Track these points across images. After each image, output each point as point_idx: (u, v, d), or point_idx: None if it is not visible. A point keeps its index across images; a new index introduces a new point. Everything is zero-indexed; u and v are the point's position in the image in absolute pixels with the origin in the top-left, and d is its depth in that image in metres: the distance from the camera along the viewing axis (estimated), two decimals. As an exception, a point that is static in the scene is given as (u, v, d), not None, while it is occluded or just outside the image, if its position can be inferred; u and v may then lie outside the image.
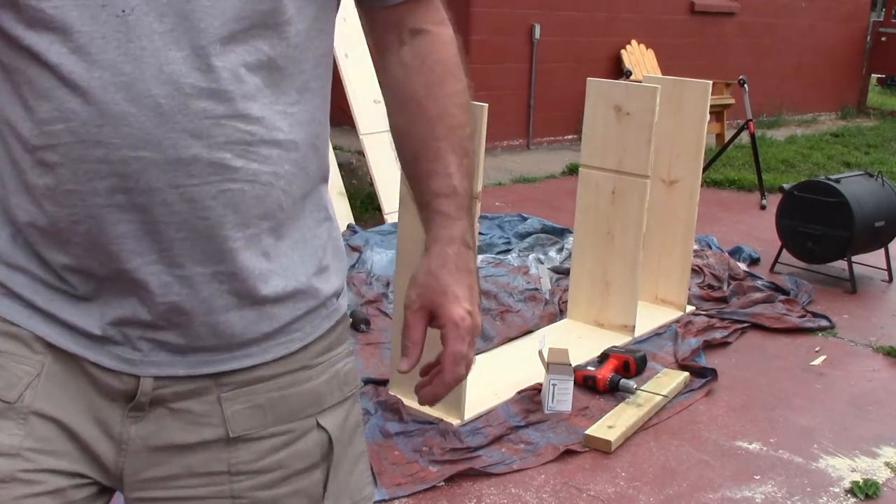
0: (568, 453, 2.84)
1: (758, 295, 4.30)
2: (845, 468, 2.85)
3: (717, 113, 8.47)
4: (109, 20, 0.88)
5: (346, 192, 5.46)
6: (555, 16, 8.35)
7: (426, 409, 3.00)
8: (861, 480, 2.75)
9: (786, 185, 4.91)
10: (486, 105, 2.74)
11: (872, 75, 13.61)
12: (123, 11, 0.88)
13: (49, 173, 0.91)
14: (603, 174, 3.73)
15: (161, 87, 0.89)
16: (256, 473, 1.05)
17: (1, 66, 0.93)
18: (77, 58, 0.88)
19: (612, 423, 2.97)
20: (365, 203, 5.67)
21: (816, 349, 3.82)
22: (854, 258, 4.65)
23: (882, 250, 4.85)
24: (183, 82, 0.90)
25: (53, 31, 0.88)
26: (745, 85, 6.69)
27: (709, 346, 3.75)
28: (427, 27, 1.12)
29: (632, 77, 8.10)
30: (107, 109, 0.88)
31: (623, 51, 8.90)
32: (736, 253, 5.06)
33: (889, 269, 4.83)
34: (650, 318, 3.97)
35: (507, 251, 4.93)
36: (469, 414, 2.98)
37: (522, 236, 5.15)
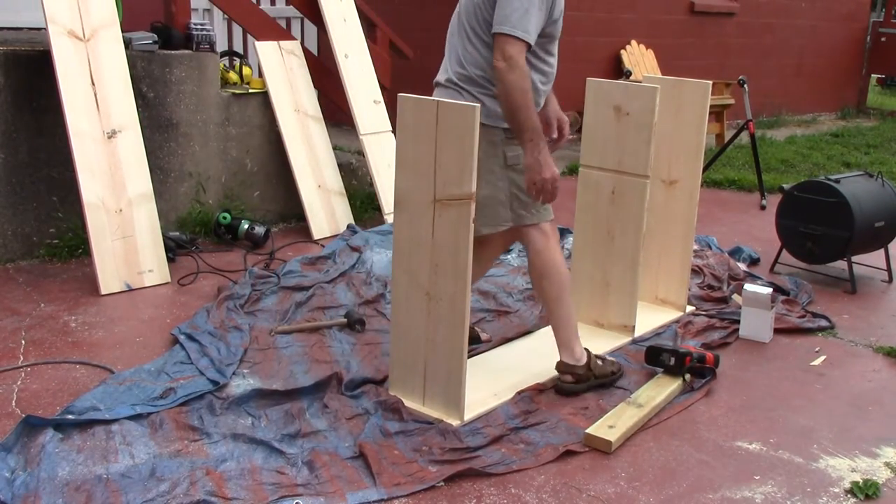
0: (568, 453, 2.84)
1: (758, 295, 4.29)
2: (845, 468, 2.85)
3: (717, 113, 8.47)
4: None
5: (346, 192, 5.46)
6: (555, 16, 8.33)
7: (426, 410, 3.01)
8: (861, 481, 2.75)
9: (786, 185, 4.90)
10: (478, 105, 2.76)
11: (872, 75, 13.62)
12: None
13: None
14: (603, 174, 3.73)
15: None
16: None
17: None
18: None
19: (613, 423, 2.97)
20: (365, 203, 5.67)
21: (816, 349, 3.82)
22: (854, 258, 4.65)
23: (882, 250, 4.85)
24: None
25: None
26: (745, 85, 6.69)
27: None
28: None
29: (632, 77, 8.10)
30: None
31: (623, 51, 8.90)
32: (736, 253, 5.06)
33: (889, 270, 4.83)
34: (650, 318, 3.97)
35: (507, 251, 4.93)
36: (469, 414, 2.97)
37: (522, 236, 5.14)
